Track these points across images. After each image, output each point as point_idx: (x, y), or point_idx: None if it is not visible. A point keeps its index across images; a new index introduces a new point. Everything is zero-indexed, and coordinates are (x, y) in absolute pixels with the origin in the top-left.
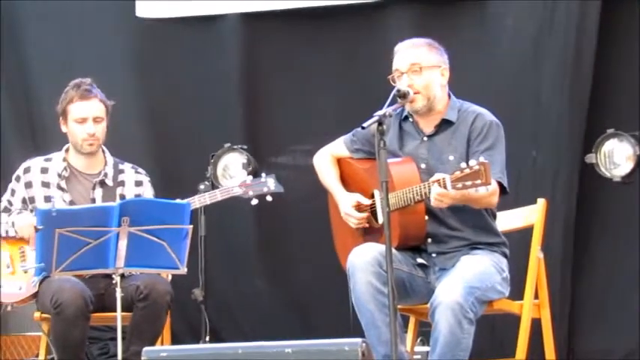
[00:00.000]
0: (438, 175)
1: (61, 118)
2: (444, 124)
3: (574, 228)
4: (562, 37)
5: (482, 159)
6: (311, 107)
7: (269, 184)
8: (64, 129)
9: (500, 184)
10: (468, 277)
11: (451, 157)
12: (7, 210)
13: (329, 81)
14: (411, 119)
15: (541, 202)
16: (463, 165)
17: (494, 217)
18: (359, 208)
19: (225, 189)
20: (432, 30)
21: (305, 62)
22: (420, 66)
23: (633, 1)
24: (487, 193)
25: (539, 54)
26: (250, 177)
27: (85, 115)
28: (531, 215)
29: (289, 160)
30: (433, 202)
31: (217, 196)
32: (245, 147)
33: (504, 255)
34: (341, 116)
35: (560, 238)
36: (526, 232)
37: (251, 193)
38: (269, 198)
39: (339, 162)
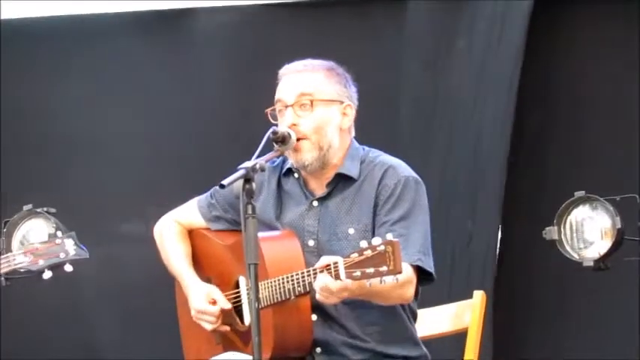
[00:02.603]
0: (327, 259)
1: None
2: (341, 181)
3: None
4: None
5: (390, 236)
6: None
7: (67, 247)
8: None
9: (418, 270)
10: None
11: (351, 231)
12: None
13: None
14: (296, 174)
15: (478, 295)
16: (363, 244)
17: (414, 317)
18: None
19: (4, 260)
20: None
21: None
22: (311, 98)
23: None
24: (397, 283)
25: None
26: (38, 239)
27: None
28: (464, 314)
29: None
30: (319, 296)
31: None
32: (53, 210)
33: None
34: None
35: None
36: (459, 338)
37: (42, 262)
38: (69, 268)
39: (191, 234)
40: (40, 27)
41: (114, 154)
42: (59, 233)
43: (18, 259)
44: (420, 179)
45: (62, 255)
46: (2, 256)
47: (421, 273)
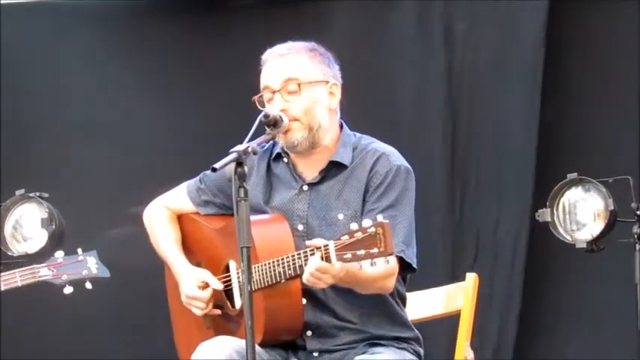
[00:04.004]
0: (317, 241)
1: None
2: (333, 167)
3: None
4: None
5: (380, 218)
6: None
7: (89, 264)
8: None
9: (401, 261)
10: None
11: (341, 216)
12: None
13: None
14: (285, 159)
15: (471, 278)
16: (354, 226)
17: (403, 300)
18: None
19: (29, 271)
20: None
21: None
22: (298, 82)
23: None
24: (382, 272)
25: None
26: (62, 253)
27: None
28: (457, 297)
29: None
30: (306, 279)
31: (16, 281)
32: (46, 195)
33: (418, 355)
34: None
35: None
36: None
37: (65, 277)
38: (88, 285)
39: (181, 219)
40: (42, 10)
41: (118, 139)
42: (79, 250)
43: (42, 271)
44: (411, 169)
45: (85, 272)
46: (26, 268)
47: (403, 263)
